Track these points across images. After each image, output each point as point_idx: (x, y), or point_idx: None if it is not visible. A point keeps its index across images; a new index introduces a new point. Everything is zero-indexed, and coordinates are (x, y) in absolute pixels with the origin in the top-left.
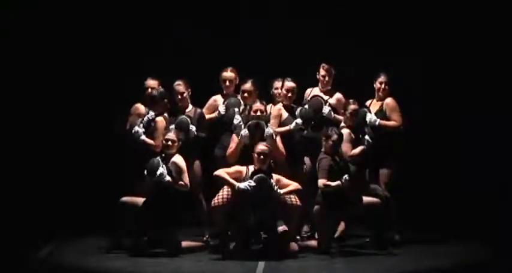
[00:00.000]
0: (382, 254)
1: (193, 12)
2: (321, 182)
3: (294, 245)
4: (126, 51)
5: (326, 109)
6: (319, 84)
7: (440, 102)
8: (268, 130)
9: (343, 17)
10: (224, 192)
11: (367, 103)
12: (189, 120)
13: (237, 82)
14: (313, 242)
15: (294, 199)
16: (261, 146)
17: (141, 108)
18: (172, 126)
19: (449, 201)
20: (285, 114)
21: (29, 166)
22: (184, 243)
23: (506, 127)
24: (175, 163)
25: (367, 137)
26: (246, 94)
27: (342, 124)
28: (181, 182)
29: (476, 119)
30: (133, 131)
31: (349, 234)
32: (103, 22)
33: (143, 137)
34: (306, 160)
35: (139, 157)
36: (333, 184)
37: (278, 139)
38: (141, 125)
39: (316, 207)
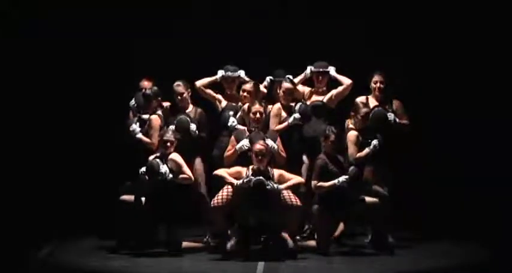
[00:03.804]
0: (382, 254)
1: (192, 12)
2: (313, 183)
3: (293, 245)
4: (124, 52)
5: (391, 117)
6: (315, 84)
7: (438, 101)
8: (273, 145)
9: (343, 17)
10: (224, 192)
11: (360, 99)
12: (188, 119)
13: (238, 82)
14: (313, 242)
15: (294, 199)
16: (259, 146)
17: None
18: (172, 127)
19: (448, 201)
20: (284, 114)
21: (29, 167)
22: (185, 244)
23: (506, 127)
24: (173, 160)
25: (375, 142)
26: (245, 94)
27: (350, 126)
28: (184, 176)
29: (477, 119)
30: (130, 129)
31: (349, 234)
32: (98, 23)
33: (140, 135)
34: (305, 159)
35: (138, 156)
36: (326, 184)
37: (278, 140)
38: (138, 123)
39: (315, 207)
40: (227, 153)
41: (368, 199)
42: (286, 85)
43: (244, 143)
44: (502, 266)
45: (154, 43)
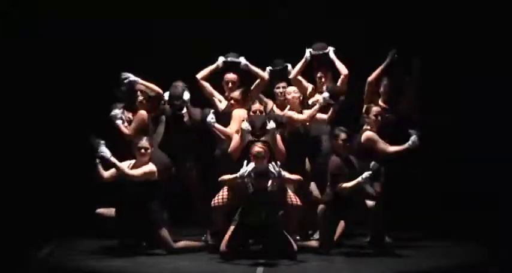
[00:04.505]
0: (382, 254)
1: (191, 12)
2: (338, 187)
3: (293, 245)
4: (124, 52)
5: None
6: (317, 84)
7: (438, 100)
8: (271, 124)
9: (343, 17)
10: (224, 192)
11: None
12: (184, 86)
13: (239, 84)
14: (313, 242)
15: (294, 199)
16: (257, 148)
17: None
18: (166, 94)
19: (448, 201)
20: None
21: (29, 167)
22: (184, 243)
23: (506, 127)
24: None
25: (414, 137)
26: (232, 102)
27: (366, 126)
28: (128, 171)
29: (477, 118)
30: (111, 113)
31: (349, 234)
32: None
33: (119, 122)
34: (307, 164)
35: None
36: (350, 184)
37: (278, 137)
38: (121, 110)
39: (321, 207)
40: (231, 148)
41: (368, 202)
42: (283, 84)
43: (245, 125)
44: (502, 266)
45: (154, 42)
